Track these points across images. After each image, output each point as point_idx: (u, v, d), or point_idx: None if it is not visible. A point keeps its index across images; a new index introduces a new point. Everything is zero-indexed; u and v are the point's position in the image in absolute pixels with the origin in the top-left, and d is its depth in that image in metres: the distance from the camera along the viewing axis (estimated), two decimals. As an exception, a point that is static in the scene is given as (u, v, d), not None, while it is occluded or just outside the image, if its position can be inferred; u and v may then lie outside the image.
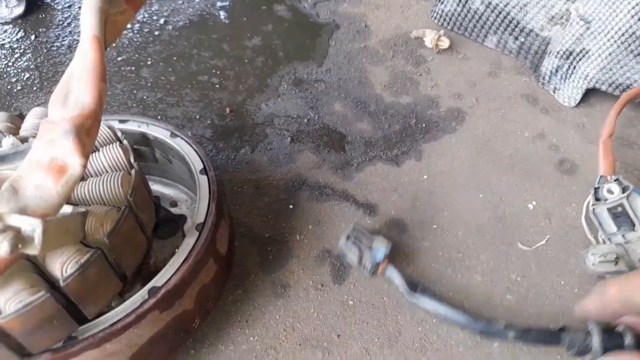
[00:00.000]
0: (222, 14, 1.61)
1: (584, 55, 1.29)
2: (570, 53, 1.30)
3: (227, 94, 1.36)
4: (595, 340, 0.74)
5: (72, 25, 1.56)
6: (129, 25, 1.52)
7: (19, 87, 1.37)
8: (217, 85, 1.38)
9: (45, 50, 1.48)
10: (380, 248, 0.92)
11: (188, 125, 1.28)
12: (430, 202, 1.11)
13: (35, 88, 1.37)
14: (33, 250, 0.58)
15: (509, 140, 1.24)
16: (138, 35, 1.52)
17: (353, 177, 1.16)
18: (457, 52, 1.48)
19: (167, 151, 1.00)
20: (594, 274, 0.95)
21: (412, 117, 1.30)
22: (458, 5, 1.47)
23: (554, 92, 1.35)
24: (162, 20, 1.58)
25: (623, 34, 1.19)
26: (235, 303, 0.94)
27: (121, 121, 0.97)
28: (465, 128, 1.28)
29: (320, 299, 0.95)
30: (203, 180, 0.90)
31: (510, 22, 1.40)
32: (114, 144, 0.86)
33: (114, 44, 1.46)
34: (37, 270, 0.69)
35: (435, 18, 1.54)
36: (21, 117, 0.94)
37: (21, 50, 1.48)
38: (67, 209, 0.73)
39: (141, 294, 0.74)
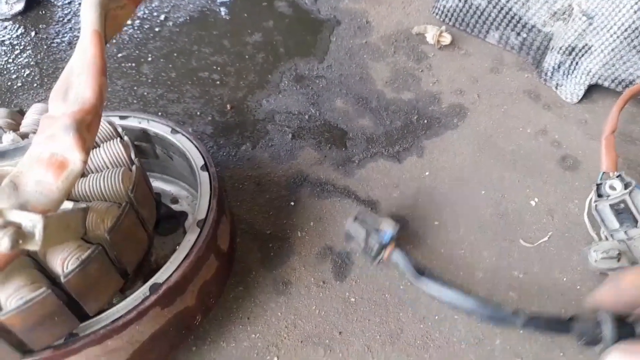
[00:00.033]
0: (223, 10, 1.61)
1: (586, 51, 1.28)
2: (573, 49, 1.30)
3: (227, 90, 1.36)
4: (607, 329, 0.73)
5: (72, 21, 1.55)
6: (129, 22, 1.52)
7: (19, 84, 1.37)
8: (218, 82, 1.38)
9: (45, 47, 1.47)
10: (388, 230, 0.90)
11: (189, 121, 1.27)
12: (431, 198, 1.11)
13: (35, 84, 1.37)
14: (34, 246, 0.58)
15: (511, 136, 1.24)
16: (138, 32, 1.52)
17: (354, 173, 1.16)
18: (459, 48, 1.47)
19: (167, 147, 0.99)
20: (597, 271, 0.95)
21: (413, 114, 1.29)
22: (460, 1, 1.46)
23: (556, 88, 1.35)
24: (162, 17, 1.57)
25: (626, 30, 1.19)
26: (236, 300, 0.94)
27: (122, 117, 0.97)
28: (467, 124, 1.27)
29: (321, 296, 0.95)
30: (204, 176, 0.90)
31: (513, 17, 1.40)
32: (115, 140, 0.86)
33: (114, 40, 1.46)
34: (37, 266, 0.69)
35: (436, 14, 1.54)
36: (21, 113, 0.93)
37: (21, 47, 1.47)
38: (67, 205, 0.72)
39: (142, 290, 0.74)
